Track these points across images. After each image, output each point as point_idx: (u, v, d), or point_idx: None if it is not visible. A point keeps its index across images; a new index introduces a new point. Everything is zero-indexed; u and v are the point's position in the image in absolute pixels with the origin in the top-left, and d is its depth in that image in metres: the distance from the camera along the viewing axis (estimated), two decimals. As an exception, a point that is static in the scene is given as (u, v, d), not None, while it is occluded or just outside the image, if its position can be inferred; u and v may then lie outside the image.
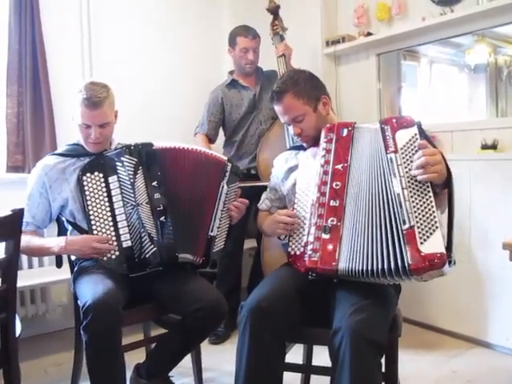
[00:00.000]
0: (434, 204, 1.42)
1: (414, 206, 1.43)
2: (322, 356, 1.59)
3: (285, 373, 1.57)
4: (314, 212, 1.58)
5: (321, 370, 1.75)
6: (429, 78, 3.38)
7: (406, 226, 1.42)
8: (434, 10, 2.77)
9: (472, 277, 2.59)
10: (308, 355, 1.94)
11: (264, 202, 1.96)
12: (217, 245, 1.92)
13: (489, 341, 2.55)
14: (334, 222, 1.54)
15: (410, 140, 1.50)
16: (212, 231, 1.90)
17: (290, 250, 1.65)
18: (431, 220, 1.41)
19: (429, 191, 1.44)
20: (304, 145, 1.81)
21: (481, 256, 2.56)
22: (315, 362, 1.91)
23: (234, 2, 3.63)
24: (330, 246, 1.52)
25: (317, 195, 1.59)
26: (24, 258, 2.74)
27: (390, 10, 2.99)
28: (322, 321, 1.54)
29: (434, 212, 1.42)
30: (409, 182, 1.46)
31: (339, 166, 1.59)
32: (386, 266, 1.42)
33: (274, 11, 2.98)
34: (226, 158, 1.97)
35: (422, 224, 1.41)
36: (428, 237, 1.40)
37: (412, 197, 1.44)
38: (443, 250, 1.38)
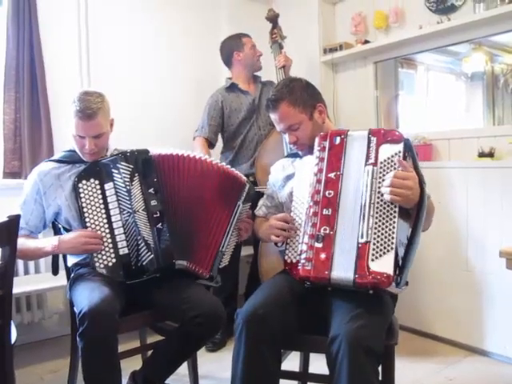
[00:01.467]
0: (395, 225, 1.44)
1: (376, 223, 1.45)
2: (318, 363, 1.58)
3: (281, 380, 1.56)
4: (308, 221, 1.59)
5: (317, 378, 1.74)
6: (426, 86, 3.40)
7: (363, 240, 1.45)
8: (431, 19, 2.79)
9: (469, 284, 2.59)
10: (304, 363, 1.94)
11: (261, 209, 1.96)
12: (223, 261, 1.92)
13: (485, 349, 2.55)
14: (327, 231, 1.54)
15: (391, 156, 1.51)
16: (223, 247, 1.89)
17: (286, 257, 1.65)
18: (388, 240, 1.43)
19: (395, 211, 1.45)
20: (299, 153, 1.81)
21: (478, 264, 2.56)
22: (312, 369, 1.91)
23: (232, 7, 3.64)
24: (323, 255, 1.52)
25: (310, 204, 1.59)
26: (20, 265, 2.73)
27: (387, 18, 3.02)
28: (318, 328, 1.54)
29: (393, 233, 1.43)
30: (378, 198, 1.47)
31: (332, 175, 1.59)
32: (344, 276, 1.45)
33: (273, 20, 3.00)
34: (245, 179, 1.95)
35: (378, 242, 1.43)
36: (380, 255, 1.43)
37: (377, 213, 1.46)
38: (391, 272, 1.41)
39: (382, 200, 1.47)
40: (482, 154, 2.58)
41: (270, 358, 1.48)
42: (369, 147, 1.54)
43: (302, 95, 1.74)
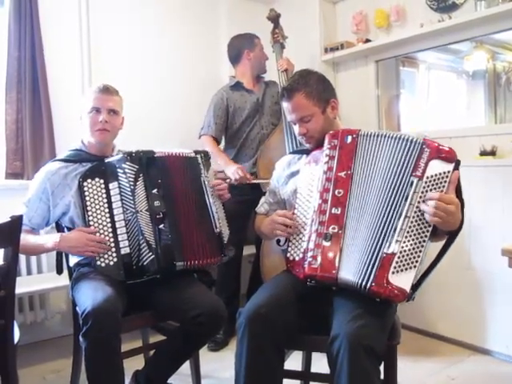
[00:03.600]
0: (425, 244, 1.41)
1: (406, 237, 1.42)
2: (320, 363, 1.58)
3: (284, 380, 1.56)
4: (316, 219, 1.57)
5: (320, 377, 1.74)
6: (427, 85, 3.39)
7: (390, 251, 1.42)
8: (432, 17, 2.78)
9: (471, 283, 2.59)
10: (307, 362, 1.94)
11: (262, 206, 1.95)
12: (224, 235, 1.94)
13: (488, 348, 2.55)
14: (336, 230, 1.53)
15: (440, 174, 1.43)
16: (216, 227, 1.92)
17: (288, 255, 1.65)
18: (414, 258, 1.41)
19: (428, 231, 1.42)
20: (307, 146, 1.79)
21: (480, 262, 2.56)
22: (314, 368, 1.91)
23: (233, 7, 3.64)
24: (331, 254, 1.51)
25: (319, 202, 1.58)
26: (23, 265, 2.73)
27: (388, 16, 3.01)
28: (320, 328, 1.54)
29: (421, 252, 1.41)
30: (415, 212, 1.43)
31: (342, 174, 1.58)
32: (358, 281, 1.44)
33: (275, 20, 3.01)
34: (191, 151, 1.98)
35: (403, 256, 1.41)
36: (402, 270, 1.40)
37: (409, 227, 1.42)
38: (407, 289, 1.40)
39: (418, 216, 1.42)
40: (483, 153, 2.57)
41: (272, 356, 1.48)
42: (419, 156, 1.46)
43: (317, 88, 1.73)
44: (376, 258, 1.43)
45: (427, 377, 2.33)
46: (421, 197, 1.43)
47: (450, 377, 2.33)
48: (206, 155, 2.01)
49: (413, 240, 1.42)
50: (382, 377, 1.46)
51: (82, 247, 1.80)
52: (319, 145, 1.71)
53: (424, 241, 1.42)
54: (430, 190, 1.43)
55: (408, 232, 1.42)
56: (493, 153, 2.55)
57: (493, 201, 2.48)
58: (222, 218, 1.98)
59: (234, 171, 2.68)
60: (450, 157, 1.45)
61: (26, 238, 1.83)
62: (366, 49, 3.09)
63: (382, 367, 1.44)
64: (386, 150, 1.54)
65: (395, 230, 1.43)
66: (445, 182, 1.43)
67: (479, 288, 2.57)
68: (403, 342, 1.63)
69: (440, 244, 1.55)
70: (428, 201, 1.41)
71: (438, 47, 2.93)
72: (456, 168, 1.45)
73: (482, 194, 2.52)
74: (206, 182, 1.94)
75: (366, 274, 1.44)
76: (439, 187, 1.43)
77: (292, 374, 1.78)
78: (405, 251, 1.41)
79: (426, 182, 1.44)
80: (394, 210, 1.45)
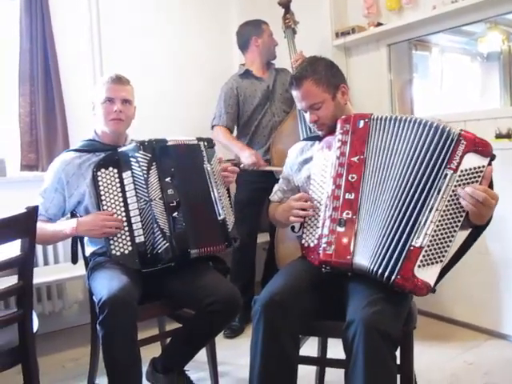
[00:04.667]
0: (453, 239, 1.39)
1: (435, 231, 1.39)
2: (336, 349, 1.59)
3: (300, 366, 1.57)
4: (329, 204, 1.56)
5: (336, 363, 1.74)
6: (441, 68, 3.34)
7: (418, 244, 1.39)
8: (444, -2, 2.73)
9: (487, 268, 2.56)
10: (323, 348, 1.94)
11: (276, 194, 1.94)
12: (229, 222, 1.93)
13: (505, 332, 2.53)
14: (350, 216, 1.52)
15: (475, 168, 1.39)
16: (220, 215, 1.91)
17: (303, 241, 1.64)
18: (441, 252, 1.39)
19: (457, 225, 1.39)
20: (319, 133, 1.78)
21: (496, 247, 2.53)
22: (330, 354, 1.91)
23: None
24: (345, 240, 1.50)
25: (332, 187, 1.57)
26: (40, 255, 2.78)
27: (400, -1, 2.96)
28: (336, 314, 1.54)
29: (448, 246, 1.39)
30: (446, 206, 1.39)
31: (355, 159, 1.56)
32: (381, 270, 1.42)
33: (286, 5, 2.99)
34: (194, 138, 1.97)
35: (431, 250, 1.39)
36: (428, 264, 1.39)
37: (439, 221, 1.39)
38: (432, 283, 1.39)
39: (449, 210, 1.39)
40: (499, 136, 2.53)
41: (287, 343, 1.48)
42: (454, 149, 1.41)
43: (326, 74, 1.71)
44: (402, 249, 1.41)
45: (444, 362, 2.33)
46: (453, 190, 1.39)
47: (467, 362, 2.32)
48: (209, 142, 2.00)
49: (441, 234, 1.39)
50: (398, 362, 1.45)
51: (98, 229, 1.81)
52: (331, 131, 1.69)
53: (453, 236, 1.39)
54: (464, 184, 1.39)
55: (437, 226, 1.39)
56: (509, 136, 2.51)
57: (509, 184, 2.44)
58: (226, 205, 1.96)
59: (248, 156, 2.68)
60: (486, 150, 1.40)
61: (44, 228, 1.85)
62: (378, 33, 3.04)
63: (398, 352, 1.44)
64: (409, 136, 1.50)
65: (425, 222, 1.40)
66: (479, 176, 1.39)
67: (496, 273, 2.54)
68: (419, 328, 1.63)
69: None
70: (475, 192, 1.35)
71: (451, 29, 2.88)
72: (490, 163, 1.41)
73: (498, 177, 2.45)
74: (209, 169, 1.93)
75: (389, 264, 1.41)
76: (472, 182, 1.39)
77: (308, 360, 1.78)
78: (433, 245, 1.39)
79: (459, 176, 1.40)
80: (425, 202, 1.42)
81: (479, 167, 1.39)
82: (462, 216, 1.39)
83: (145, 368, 1.83)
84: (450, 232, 1.39)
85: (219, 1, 3.61)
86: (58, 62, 2.85)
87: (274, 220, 1.90)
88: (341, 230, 1.52)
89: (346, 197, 1.54)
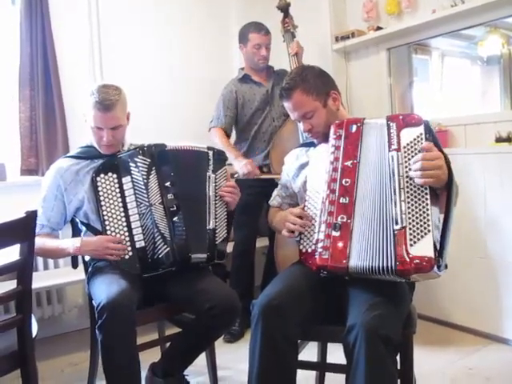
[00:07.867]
0: (429, 207, 1.41)
1: (409, 208, 1.42)
2: (336, 353, 1.58)
3: (300, 371, 1.56)
4: (324, 209, 1.57)
5: (336, 368, 1.74)
6: (441, 72, 3.34)
7: (398, 226, 1.42)
8: (444, 2, 2.73)
9: (487, 271, 2.56)
10: (322, 353, 1.94)
11: (275, 199, 1.95)
12: (218, 235, 1.92)
13: (506, 336, 2.52)
14: (344, 220, 1.52)
15: (414, 139, 1.48)
16: (210, 224, 1.90)
17: (301, 247, 1.64)
18: (424, 223, 1.40)
19: (426, 193, 1.42)
20: (314, 141, 1.80)
21: (496, 250, 2.53)
22: (330, 359, 1.91)
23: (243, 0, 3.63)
24: (341, 244, 1.51)
25: (327, 192, 1.58)
26: (39, 260, 2.77)
27: (399, 3, 2.97)
28: (335, 318, 1.54)
29: (428, 215, 1.40)
30: (407, 182, 1.45)
31: (348, 163, 1.58)
32: (382, 265, 1.42)
33: (285, 9, 2.98)
34: (205, 146, 1.97)
35: (414, 226, 1.40)
36: (418, 239, 1.39)
37: (408, 197, 1.43)
38: (431, 255, 1.37)
39: (411, 184, 1.44)
40: (499, 139, 2.54)
41: (286, 348, 1.48)
42: (389, 133, 1.52)
43: (315, 82, 1.72)
44: (389, 238, 1.43)
45: (444, 367, 2.32)
46: (406, 166, 1.46)
47: (468, 367, 2.31)
48: (219, 154, 2.00)
49: (416, 208, 1.42)
50: (398, 366, 1.45)
51: (102, 250, 1.81)
52: (326, 138, 1.70)
53: (427, 204, 1.41)
54: (412, 156, 1.46)
55: (409, 202, 1.43)
56: (509, 139, 2.51)
57: (509, 188, 2.45)
58: (221, 218, 1.94)
59: (242, 166, 2.68)
60: (416, 121, 1.50)
61: (47, 243, 1.84)
62: (378, 37, 3.05)
63: (398, 357, 1.43)
64: (370, 137, 1.58)
65: (395, 205, 1.44)
66: (421, 144, 1.46)
67: (495, 277, 2.54)
68: (419, 332, 1.62)
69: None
70: (413, 166, 1.43)
71: (451, 33, 2.88)
72: (426, 128, 1.48)
73: (497, 181, 2.48)
74: (212, 178, 1.93)
75: (385, 256, 1.42)
76: (418, 151, 1.46)
77: (307, 365, 1.78)
78: (413, 221, 1.41)
79: (405, 152, 1.48)
80: (390, 188, 1.47)
81: (418, 136, 1.48)
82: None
83: (144, 373, 1.83)
84: (423, 201, 1.42)
85: (219, 5, 3.62)
86: (58, 67, 2.85)
87: (272, 226, 1.92)
88: (336, 234, 1.52)
89: (341, 201, 1.55)
